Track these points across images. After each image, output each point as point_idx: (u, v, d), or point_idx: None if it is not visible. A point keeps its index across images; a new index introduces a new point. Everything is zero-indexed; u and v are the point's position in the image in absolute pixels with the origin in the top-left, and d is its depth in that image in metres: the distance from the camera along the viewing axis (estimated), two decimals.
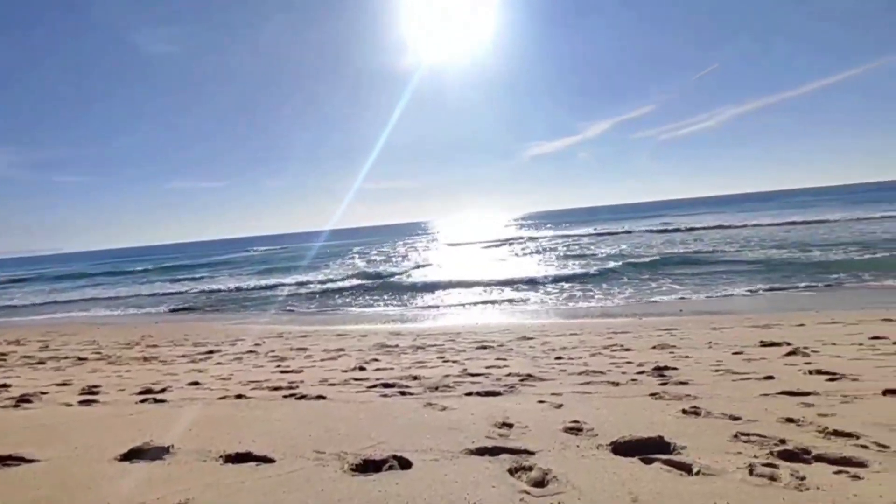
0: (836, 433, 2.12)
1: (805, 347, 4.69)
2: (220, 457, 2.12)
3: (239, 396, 3.50)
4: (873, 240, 18.36)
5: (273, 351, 6.98)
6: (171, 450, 2.22)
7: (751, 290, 11.66)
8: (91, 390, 4.16)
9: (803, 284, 11.73)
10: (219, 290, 21.58)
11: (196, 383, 4.35)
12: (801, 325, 6.84)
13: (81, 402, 3.54)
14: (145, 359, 6.83)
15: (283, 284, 21.59)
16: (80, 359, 7.04)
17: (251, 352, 7.06)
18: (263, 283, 22.96)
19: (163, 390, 4.00)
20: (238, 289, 21.61)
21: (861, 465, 1.80)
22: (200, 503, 1.70)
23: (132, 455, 2.16)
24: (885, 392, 2.76)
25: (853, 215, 29.74)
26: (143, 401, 3.53)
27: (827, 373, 3.43)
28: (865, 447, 1.97)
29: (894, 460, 1.84)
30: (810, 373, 3.51)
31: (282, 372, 4.94)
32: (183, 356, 6.91)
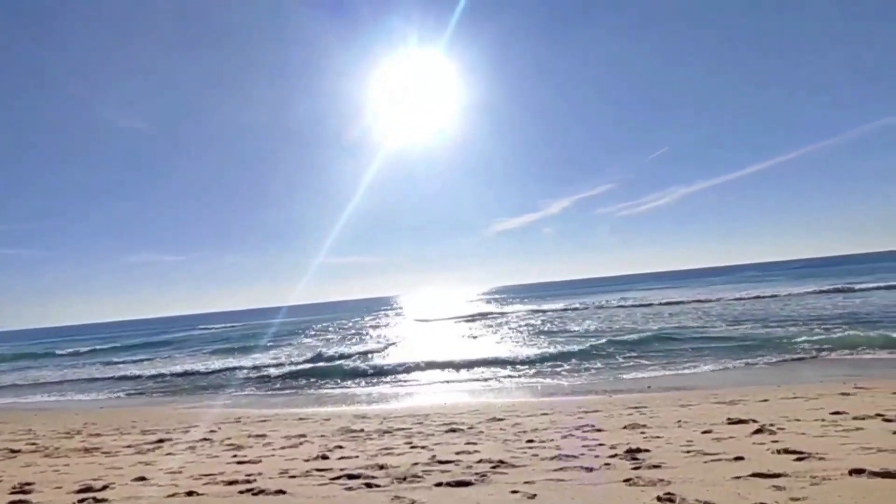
0: None
1: (771, 424, 4.73)
2: None
3: (190, 493, 3.24)
4: (824, 314, 19.24)
5: (229, 438, 6.55)
6: None
7: (716, 366, 11.87)
8: (23, 488, 3.76)
9: (764, 359, 12.04)
10: (173, 372, 20.41)
11: (142, 478, 4.01)
12: (765, 400, 6.93)
13: None
14: (86, 450, 6.28)
15: (242, 366, 20.65)
16: (12, 451, 6.41)
17: (205, 439, 6.60)
18: (221, 363, 21.93)
19: (104, 487, 3.66)
20: (193, 371, 20.51)
21: None
22: None
23: None
24: (852, 472, 2.79)
25: (801, 289, 31.27)
26: (81, 500, 3.22)
27: (794, 452, 3.45)
28: None
29: None
30: (778, 452, 3.52)
31: (238, 462, 4.62)
32: (129, 446, 6.40)
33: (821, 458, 3.21)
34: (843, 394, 6.99)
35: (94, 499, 3.26)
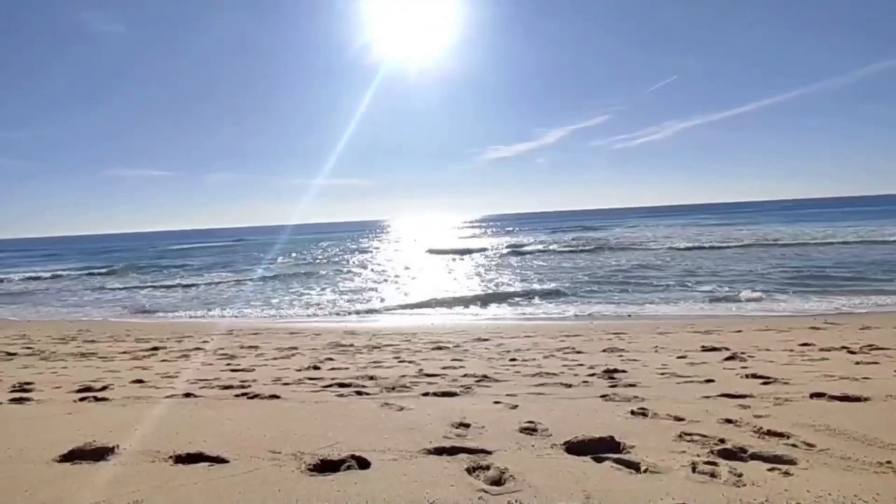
0: (770, 433, 2.28)
1: (742, 353, 4.98)
2: (170, 457, 2.05)
3: (187, 395, 3.39)
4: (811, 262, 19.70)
5: (222, 349, 6.76)
6: (116, 450, 2.12)
7: (695, 299, 12.25)
8: (23, 387, 3.90)
9: (744, 296, 12.42)
10: (164, 285, 20.65)
11: (140, 381, 4.16)
12: (739, 331, 7.25)
13: (13, 401, 3.32)
14: (83, 354, 6.47)
15: (232, 280, 20.92)
16: (8, 354, 6.58)
17: (198, 349, 6.81)
18: (213, 277, 22.19)
19: (104, 388, 3.81)
20: (185, 285, 20.75)
21: (791, 462, 1.94)
22: None
23: (73, 456, 2.05)
24: (812, 395, 2.98)
25: (798, 234, 31.44)
26: (82, 399, 3.35)
27: (761, 377, 3.66)
28: (795, 446, 2.13)
29: (820, 457, 1.99)
30: (747, 377, 3.73)
31: (232, 370, 4.80)
32: (124, 353, 6.59)
33: (785, 383, 3.41)
34: (813, 328, 7.32)
35: (94, 397, 3.39)
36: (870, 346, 5.23)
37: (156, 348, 6.94)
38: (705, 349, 5.46)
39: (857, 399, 2.85)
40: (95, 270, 28.93)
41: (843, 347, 5.22)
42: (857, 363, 4.27)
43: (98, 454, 2.07)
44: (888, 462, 1.91)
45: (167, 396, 3.36)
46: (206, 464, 1.99)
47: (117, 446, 2.15)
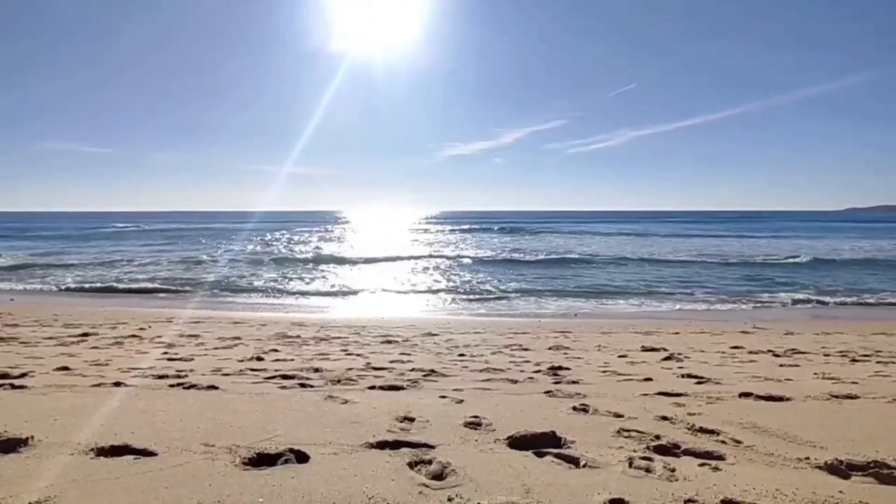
0: (702, 430, 2.38)
1: (679, 353, 5.21)
2: (91, 450, 1.91)
3: (117, 384, 3.19)
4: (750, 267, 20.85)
5: (160, 336, 6.43)
6: (29, 442, 1.96)
7: (637, 302, 12.73)
8: None
9: (689, 303, 13.03)
10: (101, 265, 19.46)
11: (65, 368, 3.89)
12: (677, 333, 7.58)
13: None
14: (2, 339, 5.99)
15: (177, 262, 19.98)
16: None
17: (134, 336, 6.45)
18: (155, 259, 21.11)
19: (23, 375, 3.53)
20: (125, 264, 19.64)
21: (720, 458, 2.04)
22: (63, 501, 1.52)
23: None
24: (741, 395, 3.14)
25: (742, 246, 33.39)
26: None
27: (696, 377, 3.83)
28: (724, 442, 2.23)
29: (746, 454, 2.10)
30: (682, 376, 3.90)
31: (169, 359, 4.57)
32: (50, 338, 6.15)
33: (717, 383, 3.59)
34: (743, 332, 7.75)
35: (10, 385, 3.14)
36: (792, 350, 5.60)
37: (86, 334, 6.52)
38: (645, 349, 5.67)
39: (780, 399, 3.03)
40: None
41: (769, 351, 5.56)
42: (781, 366, 4.56)
43: (8, 446, 1.90)
44: (806, 458, 2.03)
45: (94, 385, 3.16)
46: (132, 457, 1.87)
47: (31, 437, 1.99)
